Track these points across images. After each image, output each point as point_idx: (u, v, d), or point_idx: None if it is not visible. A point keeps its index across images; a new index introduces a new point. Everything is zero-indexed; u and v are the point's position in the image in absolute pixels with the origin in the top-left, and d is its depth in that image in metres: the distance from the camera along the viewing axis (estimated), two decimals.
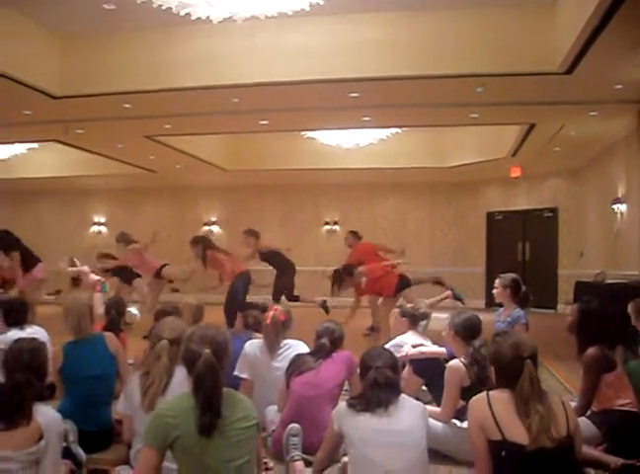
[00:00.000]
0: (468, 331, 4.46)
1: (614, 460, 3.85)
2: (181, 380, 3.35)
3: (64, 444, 3.52)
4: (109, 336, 4.66)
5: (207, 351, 2.78)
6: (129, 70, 8.49)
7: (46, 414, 3.14)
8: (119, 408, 3.94)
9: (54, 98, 8.69)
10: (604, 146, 12.10)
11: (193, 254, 9.93)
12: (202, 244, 9.88)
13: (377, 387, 3.22)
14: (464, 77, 7.95)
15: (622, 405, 4.30)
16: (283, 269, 10.67)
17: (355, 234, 10.98)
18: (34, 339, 3.57)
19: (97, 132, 11.24)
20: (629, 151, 10.56)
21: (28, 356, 3.29)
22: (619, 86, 8.22)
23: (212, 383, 2.73)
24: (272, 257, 10.61)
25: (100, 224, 18.22)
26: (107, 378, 4.43)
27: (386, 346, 5.29)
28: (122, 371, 4.58)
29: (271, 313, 4.94)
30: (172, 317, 4.26)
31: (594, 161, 13.32)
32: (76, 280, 10.32)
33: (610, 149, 11.95)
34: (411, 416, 3.21)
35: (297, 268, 10.80)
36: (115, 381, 4.54)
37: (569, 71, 7.55)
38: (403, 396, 3.32)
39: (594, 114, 9.74)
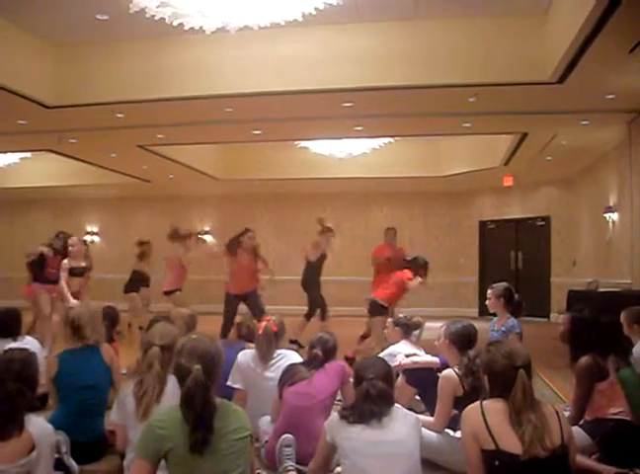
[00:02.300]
0: (464, 340, 4.46)
1: (608, 469, 3.85)
2: (172, 389, 3.34)
3: (56, 456, 3.50)
4: (104, 346, 4.65)
5: (198, 367, 2.76)
6: (122, 80, 8.48)
7: (38, 425, 3.12)
8: (112, 417, 3.93)
9: (48, 108, 8.67)
10: (596, 155, 12.14)
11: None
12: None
13: (370, 400, 3.21)
14: (457, 87, 7.97)
15: (615, 414, 4.31)
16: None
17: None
18: (24, 349, 3.55)
19: (90, 142, 11.22)
20: (621, 160, 10.61)
21: (18, 366, 3.27)
22: (611, 96, 8.26)
23: (202, 401, 2.70)
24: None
25: (93, 234, 18.17)
26: (101, 388, 4.42)
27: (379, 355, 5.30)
28: (117, 381, 4.57)
29: (263, 323, 4.93)
30: (163, 323, 4.24)
31: (586, 170, 13.37)
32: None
33: (602, 158, 12.00)
34: (404, 426, 3.21)
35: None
36: (108, 391, 4.53)
37: (561, 81, 7.58)
38: (396, 406, 3.31)
39: (585, 123, 9.78)
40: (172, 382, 3.44)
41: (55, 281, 8.98)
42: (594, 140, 11.07)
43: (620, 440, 4.18)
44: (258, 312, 8.65)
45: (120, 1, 6.77)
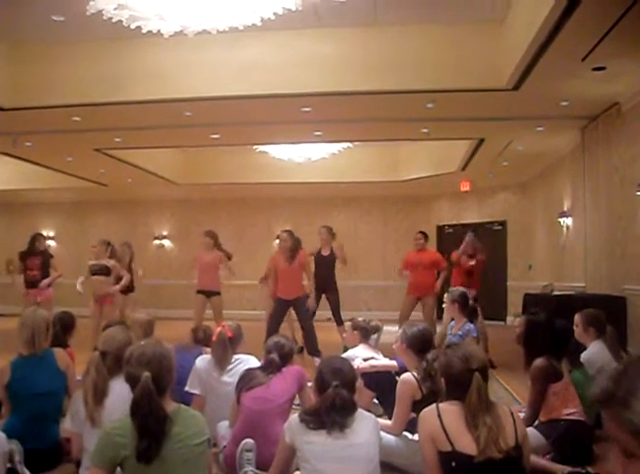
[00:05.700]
0: (420, 344, 4.49)
1: (561, 468, 3.92)
2: (122, 395, 3.29)
3: (9, 465, 3.43)
4: (58, 352, 4.57)
5: (146, 374, 2.72)
6: (79, 83, 8.36)
7: None
8: (66, 425, 3.87)
9: (2, 110, 8.51)
10: (551, 161, 12.35)
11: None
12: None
13: (334, 410, 3.18)
14: (415, 93, 8.04)
15: (569, 414, 4.39)
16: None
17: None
18: None
19: (46, 145, 11.05)
20: (574, 166, 10.80)
21: None
22: (565, 102, 8.42)
23: (147, 409, 2.68)
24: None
25: (49, 238, 17.86)
26: (55, 395, 4.34)
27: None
28: (72, 388, 4.50)
29: (218, 329, 4.91)
30: (114, 328, 4.18)
31: (541, 175, 13.59)
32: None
33: (557, 164, 12.20)
34: (364, 429, 3.21)
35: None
36: (63, 398, 4.46)
37: (516, 87, 7.70)
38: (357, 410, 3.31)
39: (540, 129, 9.95)
40: (120, 388, 3.40)
41: (36, 284, 8.68)
42: (549, 146, 11.27)
43: (574, 440, 4.27)
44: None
45: (77, 2, 6.68)
